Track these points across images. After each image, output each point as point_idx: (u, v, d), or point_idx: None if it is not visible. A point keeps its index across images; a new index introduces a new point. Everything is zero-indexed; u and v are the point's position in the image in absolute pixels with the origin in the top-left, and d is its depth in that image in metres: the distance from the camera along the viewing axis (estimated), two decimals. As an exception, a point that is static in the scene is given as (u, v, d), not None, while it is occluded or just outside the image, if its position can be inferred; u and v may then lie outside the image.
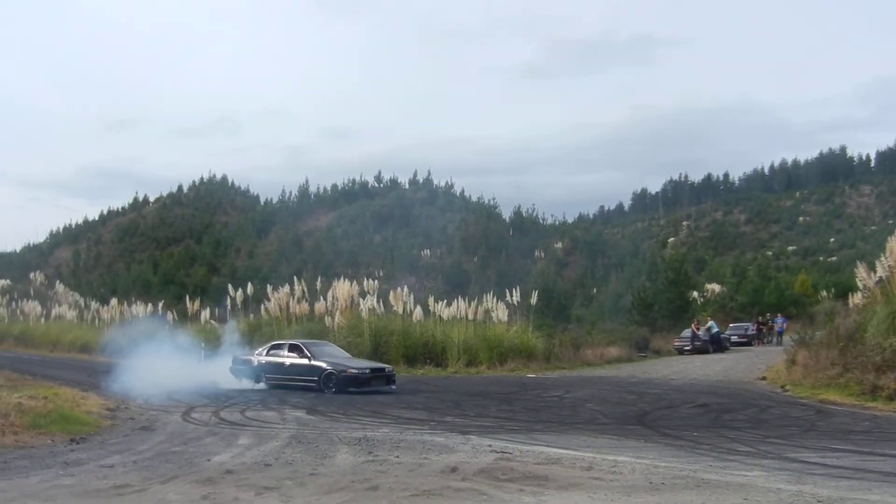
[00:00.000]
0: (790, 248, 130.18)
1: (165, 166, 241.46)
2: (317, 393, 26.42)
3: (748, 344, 54.06)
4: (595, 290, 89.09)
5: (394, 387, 27.31)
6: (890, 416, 20.06)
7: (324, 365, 27.26)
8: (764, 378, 31.73)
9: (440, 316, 37.50)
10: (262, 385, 28.70)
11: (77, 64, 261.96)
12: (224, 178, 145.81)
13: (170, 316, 45.39)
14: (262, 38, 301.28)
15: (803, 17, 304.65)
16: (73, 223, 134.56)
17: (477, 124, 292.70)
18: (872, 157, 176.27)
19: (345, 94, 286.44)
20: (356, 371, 26.89)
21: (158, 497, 9.89)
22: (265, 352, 29.53)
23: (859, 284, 31.50)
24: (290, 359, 28.35)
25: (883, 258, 26.90)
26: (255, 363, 29.28)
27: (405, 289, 39.47)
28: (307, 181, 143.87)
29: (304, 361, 27.82)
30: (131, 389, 25.74)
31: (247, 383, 28.87)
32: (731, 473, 11.84)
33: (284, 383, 28.17)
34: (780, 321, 54.03)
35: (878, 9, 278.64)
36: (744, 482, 11.13)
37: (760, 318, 58.55)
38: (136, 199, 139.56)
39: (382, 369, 27.93)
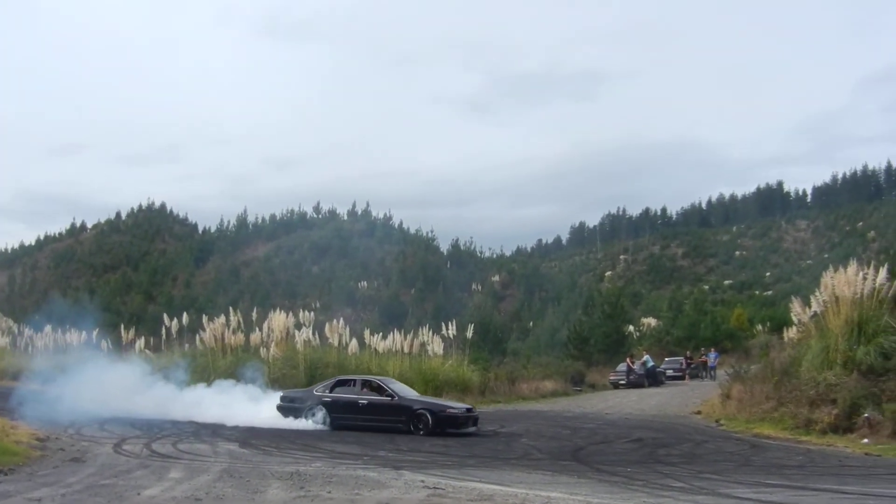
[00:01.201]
0: (726, 282, 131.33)
1: (105, 192, 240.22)
2: (402, 434, 24.44)
3: (683, 378, 54.45)
4: (531, 323, 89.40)
5: (474, 428, 25.25)
6: (823, 450, 20.35)
7: (414, 404, 25.34)
8: (699, 412, 31.97)
9: (376, 349, 37.43)
10: (322, 426, 26.25)
11: (20, 87, 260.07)
12: (163, 206, 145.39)
13: (104, 344, 44.97)
14: (208, 67, 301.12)
15: (742, 56, 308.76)
16: (9, 248, 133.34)
17: (419, 156, 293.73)
18: (809, 192, 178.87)
19: (287, 124, 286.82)
20: (455, 411, 24.99)
21: (86, 532, 9.81)
22: (329, 389, 27.16)
23: (794, 319, 31.81)
24: (366, 397, 26.11)
25: (818, 293, 27.22)
26: (319, 401, 26.74)
27: (341, 321, 39.37)
28: (246, 211, 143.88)
29: (387, 400, 25.66)
30: (63, 419, 25.49)
31: (303, 423, 26.40)
32: (665, 510, 11.96)
33: (359, 423, 25.74)
34: (712, 356, 54.43)
35: (815, 48, 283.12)
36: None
37: (689, 352, 59.00)
38: (73, 225, 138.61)
39: (471, 409, 26.01)
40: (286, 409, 27.31)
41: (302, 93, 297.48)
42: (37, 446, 18.58)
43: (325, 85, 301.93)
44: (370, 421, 25.57)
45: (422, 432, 24.33)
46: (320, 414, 26.28)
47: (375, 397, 25.87)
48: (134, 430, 23.50)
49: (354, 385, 26.89)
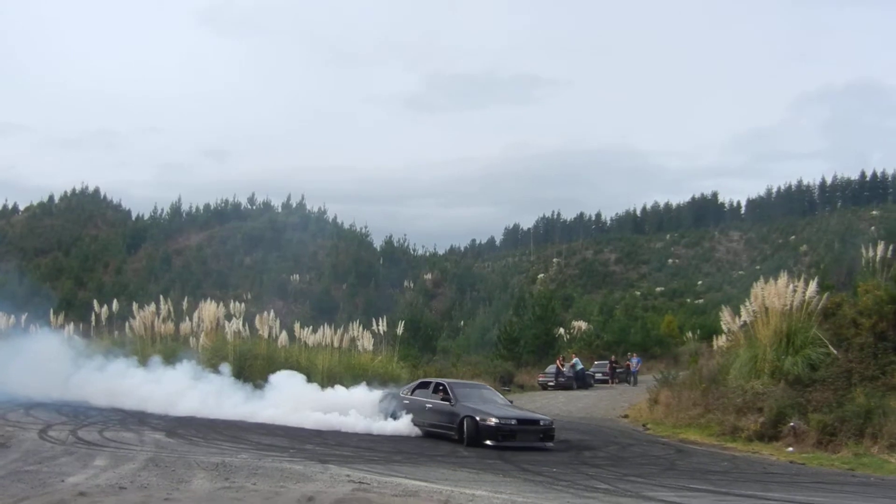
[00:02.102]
0: (658, 288, 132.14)
1: (39, 175, 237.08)
2: (456, 444, 22.24)
3: (608, 382, 54.91)
4: (462, 322, 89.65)
5: (550, 444, 22.37)
6: (748, 456, 20.69)
7: (462, 411, 22.85)
8: (626, 416, 32.31)
9: (305, 342, 37.35)
10: (412, 429, 24.41)
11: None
12: (97, 191, 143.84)
13: (33, 329, 44.42)
14: (147, 53, 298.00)
15: (681, 67, 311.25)
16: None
17: (355, 152, 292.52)
18: (743, 204, 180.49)
19: (225, 114, 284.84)
20: (496, 421, 21.91)
21: (8, 519, 9.77)
22: (411, 390, 25.92)
23: (724, 327, 32.22)
24: (432, 400, 24.31)
25: (748, 303, 27.59)
26: (404, 402, 25.49)
27: (272, 313, 39.23)
28: (180, 199, 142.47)
29: (446, 405, 23.63)
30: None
31: (392, 426, 24.68)
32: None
33: (427, 429, 24.12)
34: (634, 361, 54.87)
35: (754, 63, 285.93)
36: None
37: (614, 357, 59.47)
38: (5, 207, 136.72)
39: (536, 421, 23.02)
40: (386, 408, 26.17)
41: (241, 85, 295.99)
42: (-40, 431, 18.43)
43: (264, 79, 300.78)
44: (433, 427, 23.93)
45: (465, 443, 22.11)
46: (405, 417, 24.80)
47: (439, 401, 24.04)
48: (60, 417, 23.34)
49: (429, 388, 25.34)
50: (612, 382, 55.09)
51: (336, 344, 36.76)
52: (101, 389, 29.63)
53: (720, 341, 37.97)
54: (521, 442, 22.02)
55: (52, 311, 41.77)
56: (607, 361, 58.09)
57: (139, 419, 24.24)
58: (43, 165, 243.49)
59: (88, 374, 31.41)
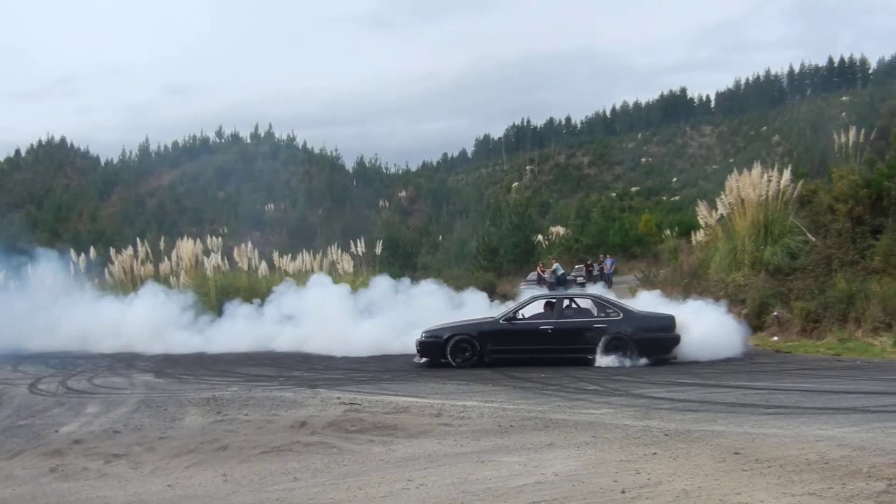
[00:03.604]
0: (633, 188, 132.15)
1: (2, 130, 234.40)
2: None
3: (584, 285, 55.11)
4: (441, 237, 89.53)
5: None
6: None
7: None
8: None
9: (286, 270, 37.44)
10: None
11: None
12: (63, 141, 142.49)
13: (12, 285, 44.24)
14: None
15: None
16: None
17: (319, 76, 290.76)
18: (713, 98, 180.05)
19: (185, 49, 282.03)
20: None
21: (5, 473, 9.82)
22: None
23: (701, 222, 32.38)
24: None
25: (723, 196, 27.74)
26: None
27: (249, 245, 39.30)
28: (147, 140, 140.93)
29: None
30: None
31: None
32: (580, 412, 12.23)
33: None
34: (608, 262, 54.98)
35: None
36: (592, 420, 11.52)
37: (590, 260, 59.62)
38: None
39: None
40: None
41: (198, 17, 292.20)
42: (-50, 390, 18.48)
43: (220, 8, 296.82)
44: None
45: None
46: None
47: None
48: (48, 370, 23.36)
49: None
50: (588, 285, 55.30)
51: (316, 269, 36.83)
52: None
53: (699, 236, 38.10)
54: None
55: (29, 265, 41.61)
56: (583, 266, 58.31)
57: (127, 363, 24.30)
58: (5, 120, 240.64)
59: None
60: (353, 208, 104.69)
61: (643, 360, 18.62)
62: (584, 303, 20.94)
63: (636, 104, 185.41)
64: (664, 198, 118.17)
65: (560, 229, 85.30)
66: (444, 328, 21.04)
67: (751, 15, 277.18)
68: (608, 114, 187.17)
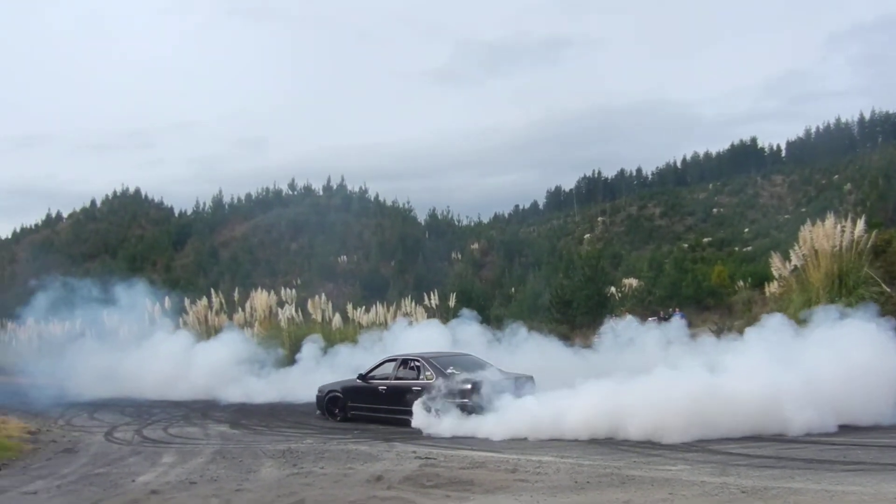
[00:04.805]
0: (705, 239, 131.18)
1: (78, 182, 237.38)
2: None
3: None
4: (513, 289, 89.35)
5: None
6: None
7: None
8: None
9: (359, 322, 37.48)
10: None
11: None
12: (137, 192, 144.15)
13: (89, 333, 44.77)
14: (169, 49, 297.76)
15: (713, 13, 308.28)
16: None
17: (389, 129, 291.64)
18: (783, 147, 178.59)
19: (255, 104, 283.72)
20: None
21: (84, 522, 9.86)
22: None
23: (775, 274, 31.95)
24: None
25: (797, 247, 27.37)
26: None
27: (323, 296, 39.40)
28: (221, 192, 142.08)
29: None
30: (52, 410, 25.55)
31: None
32: (656, 469, 12.04)
33: None
34: (677, 316, 54.55)
35: (785, 4, 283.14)
36: (668, 477, 11.34)
37: (661, 312, 59.14)
38: (49, 216, 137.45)
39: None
40: None
41: (268, 72, 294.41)
42: (28, 439, 18.57)
43: (290, 64, 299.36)
44: None
45: None
46: None
47: None
48: (124, 417, 23.51)
49: None
50: None
51: (390, 321, 36.80)
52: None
53: (772, 288, 37.70)
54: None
55: (105, 313, 41.96)
56: (655, 318, 57.88)
57: (202, 413, 24.39)
58: (81, 172, 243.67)
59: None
60: (425, 260, 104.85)
61: (445, 424, 18.16)
62: (424, 363, 20.67)
63: (707, 154, 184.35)
64: (736, 248, 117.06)
65: (633, 281, 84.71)
66: (329, 384, 22.64)
67: (819, 65, 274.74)
68: (679, 164, 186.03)
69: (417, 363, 20.73)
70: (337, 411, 21.55)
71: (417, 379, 20.19)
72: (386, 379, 21.03)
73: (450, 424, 18.00)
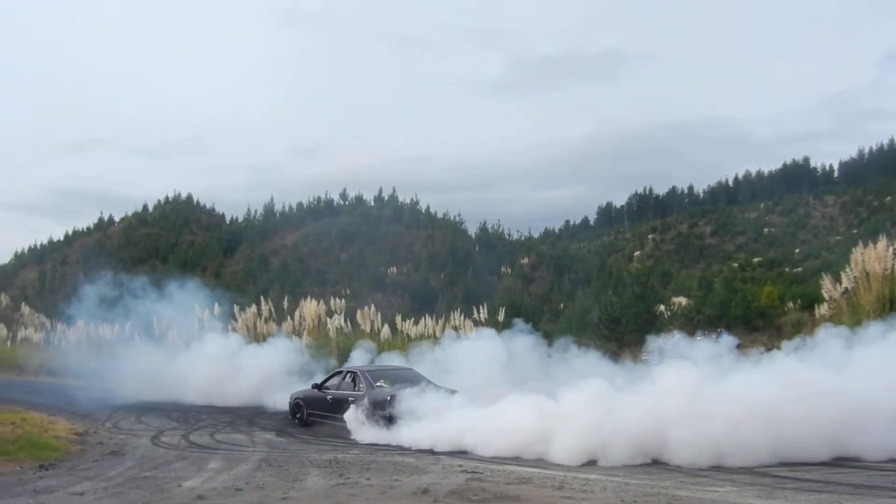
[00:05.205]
0: (755, 259, 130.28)
1: (131, 186, 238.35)
2: None
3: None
4: (562, 304, 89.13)
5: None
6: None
7: None
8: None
9: (408, 334, 37.46)
10: None
11: (37, 84, 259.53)
12: (189, 198, 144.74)
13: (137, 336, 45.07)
14: (224, 57, 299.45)
15: (767, 31, 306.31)
16: (39, 244, 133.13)
17: (442, 140, 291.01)
18: (836, 167, 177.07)
19: (309, 112, 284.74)
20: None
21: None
22: None
23: (825, 295, 31.69)
24: None
25: (848, 269, 27.12)
26: None
27: (372, 307, 39.42)
28: (272, 200, 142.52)
29: None
30: (99, 412, 25.70)
31: None
32: (703, 490, 11.90)
33: None
34: (724, 337, 54.08)
35: (839, 22, 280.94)
36: (715, 498, 11.21)
37: (706, 332, 58.69)
38: (101, 219, 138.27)
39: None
40: None
41: (324, 82, 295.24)
42: (76, 441, 18.69)
43: (347, 74, 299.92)
44: None
45: None
46: None
47: None
48: (171, 422, 23.60)
49: None
50: None
51: (438, 334, 36.72)
52: None
53: (822, 310, 37.35)
54: None
55: (154, 318, 42.18)
56: (704, 334, 57.49)
57: (248, 420, 24.45)
58: (134, 176, 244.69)
59: None
60: (474, 274, 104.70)
61: (369, 432, 20.02)
62: (360, 376, 22.68)
63: (759, 173, 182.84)
64: (786, 269, 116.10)
65: (682, 300, 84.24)
66: (297, 392, 24.91)
67: (874, 84, 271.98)
68: (730, 183, 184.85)
69: (356, 375, 22.82)
70: (299, 416, 23.81)
71: (353, 390, 22.22)
72: (334, 389, 23.05)
73: (372, 433, 19.86)
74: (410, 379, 22.21)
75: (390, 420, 19.77)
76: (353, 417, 20.71)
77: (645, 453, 15.07)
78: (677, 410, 15.12)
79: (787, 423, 14.71)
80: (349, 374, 23.26)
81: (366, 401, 20.84)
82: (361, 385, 21.96)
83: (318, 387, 23.50)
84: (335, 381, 23.51)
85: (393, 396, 20.23)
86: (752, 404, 14.88)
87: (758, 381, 16.04)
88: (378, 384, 21.74)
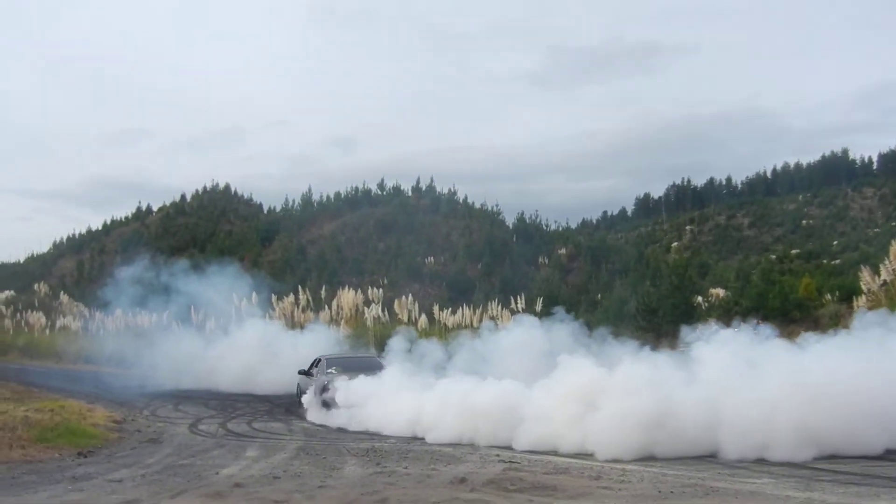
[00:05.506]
0: (793, 251, 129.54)
1: (169, 176, 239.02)
2: None
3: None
4: (599, 295, 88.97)
5: None
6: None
7: None
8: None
9: (445, 324, 37.42)
10: None
11: (77, 76, 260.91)
12: (227, 188, 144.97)
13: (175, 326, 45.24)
14: (264, 47, 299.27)
15: (806, 23, 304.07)
16: (77, 233, 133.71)
17: (480, 131, 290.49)
18: (875, 159, 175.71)
19: (347, 103, 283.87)
20: None
21: (169, 513, 9.87)
22: None
23: (863, 287, 31.49)
24: None
25: (887, 261, 26.94)
26: None
27: (409, 297, 39.42)
28: (310, 189, 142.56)
29: None
30: (137, 400, 25.83)
31: None
32: (741, 481, 11.80)
33: None
34: (765, 328, 53.67)
35: (880, 14, 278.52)
36: (753, 490, 11.10)
37: (758, 321, 58.29)
38: (139, 209, 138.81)
39: None
40: None
41: (361, 74, 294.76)
42: (114, 428, 18.80)
43: (384, 66, 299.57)
44: None
45: None
46: None
47: None
48: (208, 410, 23.70)
49: None
50: None
51: (476, 324, 36.69)
52: None
53: (860, 302, 37.11)
54: None
55: (192, 307, 42.37)
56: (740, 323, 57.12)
57: (286, 408, 24.52)
58: (172, 167, 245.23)
59: None
60: (512, 264, 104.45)
61: (313, 414, 22.48)
62: (323, 363, 24.89)
63: (797, 165, 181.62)
64: (825, 261, 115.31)
65: (720, 291, 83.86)
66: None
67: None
68: (769, 174, 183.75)
69: (320, 362, 25.07)
70: (298, 399, 25.06)
71: (315, 376, 24.19)
72: (310, 374, 25.01)
73: (315, 414, 22.30)
74: (368, 367, 23.51)
75: (325, 404, 21.96)
76: (307, 400, 23.32)
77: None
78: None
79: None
80: (318, 362, 25.28)
81: (315, 386, 23.14)
82: (318, 371, 24.21)
83: (305, 372, 25.43)
84: (315, 367, 25.34)
85: (329, 383, 22.28)
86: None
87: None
88: (329, 371, 23.53)
